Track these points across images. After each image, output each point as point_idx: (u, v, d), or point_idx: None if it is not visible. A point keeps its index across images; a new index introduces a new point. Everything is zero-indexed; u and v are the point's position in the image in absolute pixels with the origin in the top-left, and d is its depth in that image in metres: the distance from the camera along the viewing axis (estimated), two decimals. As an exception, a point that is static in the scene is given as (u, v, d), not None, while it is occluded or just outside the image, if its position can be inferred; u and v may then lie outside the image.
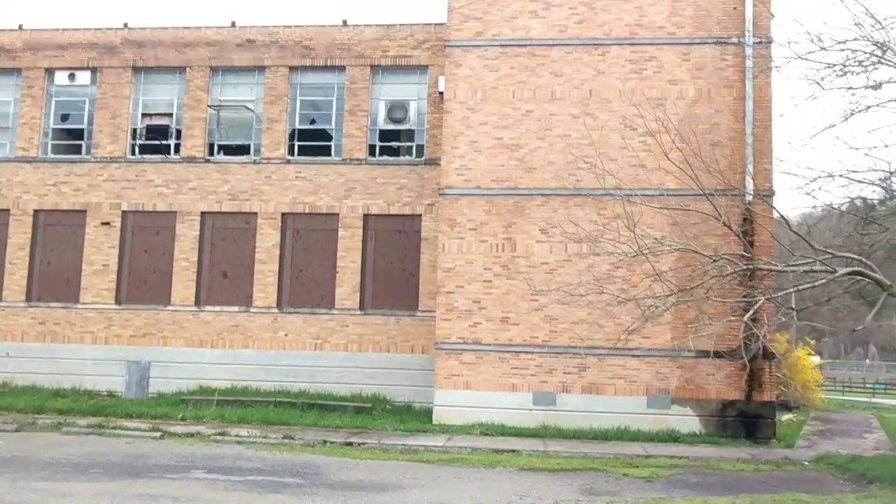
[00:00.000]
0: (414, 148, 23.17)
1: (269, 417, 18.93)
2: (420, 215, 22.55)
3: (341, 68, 23.43)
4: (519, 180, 19.97)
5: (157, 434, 16.41)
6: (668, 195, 18.15)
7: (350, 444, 16.25)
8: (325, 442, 16.29)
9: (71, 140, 24.38)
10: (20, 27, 24.57)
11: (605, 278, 17.76)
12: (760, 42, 19.32)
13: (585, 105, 19.91)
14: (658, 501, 10.59)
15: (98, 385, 22.52)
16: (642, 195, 18.41)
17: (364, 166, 22.95)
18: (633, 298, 14.59)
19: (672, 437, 17.98)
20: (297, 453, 14.79)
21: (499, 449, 15.81)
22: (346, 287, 22.53)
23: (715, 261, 13.81)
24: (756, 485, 12.31)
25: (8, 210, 23.78)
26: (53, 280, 23.60)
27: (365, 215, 22.79)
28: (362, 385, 21.94)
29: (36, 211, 23.77)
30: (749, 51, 19.23)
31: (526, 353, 19.45)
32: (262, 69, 23.66)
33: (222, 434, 16.63)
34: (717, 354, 17.42)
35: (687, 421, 18.70)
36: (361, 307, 22.47)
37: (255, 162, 23.30)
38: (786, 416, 24.87)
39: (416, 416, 19.78)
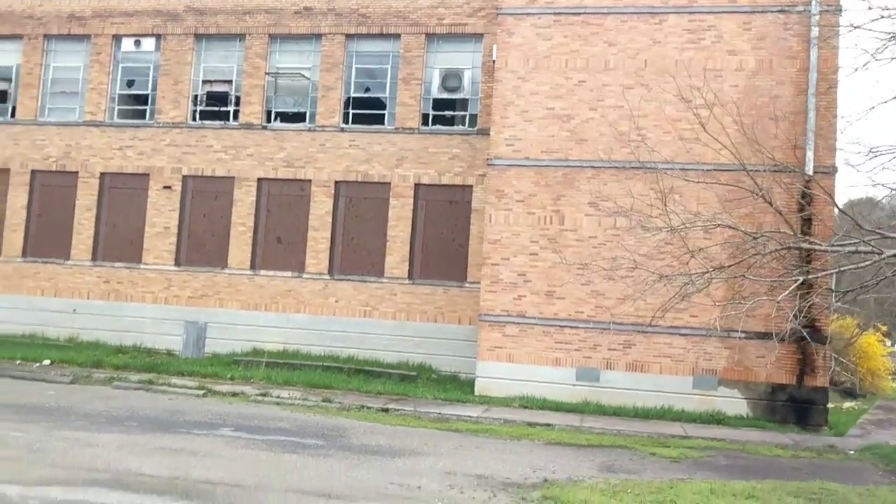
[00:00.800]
0: (467, 117, 22.99)
1: (315, 381, 19.25)
2: (471, 186, 22.39)
3: (396, 36, 23.35)
4: (569, 152, 19.61)
5: (201, 392, 16.91)
6: (721, 170, 17.52)
7: (386, 410, 16.41)
8: (362, 407, 16.50)
9: (136, 105, 25.07)
10: (90, -5, 25.30)
11: (654, 254, 17.35)
12: (828, 10, 18.35)
13: (640, 76, 19.34)
14: (675, 482, 10.34)
15: (157, 343, 23.31)
16: (695, 170, 17.95)
17: (416, 135, 22.90)
18: (673, 275, 14.17)
19: (717, 420, 17.53)
20: (331, 416, 15.02)
21: (533, 422, 15.73)
22: (396, 256, 22.63)
23: (755, 238, 13.28)
24: (787, 471, 11.90)
25: (76, 172, 24.67)
26: (118, 241, 24.43)
27: (416, 185, 22.78)
28: (409, 353, 22.07)
29: (102, 174, 24.59)
30: (815, 19, 18.29)
31: (570, 327, 19.21)
32: (318, 37, 23.78)
33: (264, 395, 17.02)
34: (767, 336, 16.82)
35: (734, 403, 18.20)
36: (410, 276, 22.55)
37: (310, 129, 23.52)
38: (847, 404, 23.98)
39: (460, 387, 19.82)
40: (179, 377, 18.80)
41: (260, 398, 16.64)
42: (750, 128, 16.20)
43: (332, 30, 23.61)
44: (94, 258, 24.39)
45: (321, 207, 23.18)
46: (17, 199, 24.90)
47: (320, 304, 22.91)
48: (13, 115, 25.34)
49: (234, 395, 16.91)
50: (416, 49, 23.13)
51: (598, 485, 9.93)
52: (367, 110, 23.52)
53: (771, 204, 13.60)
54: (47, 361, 19.89)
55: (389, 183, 22.88)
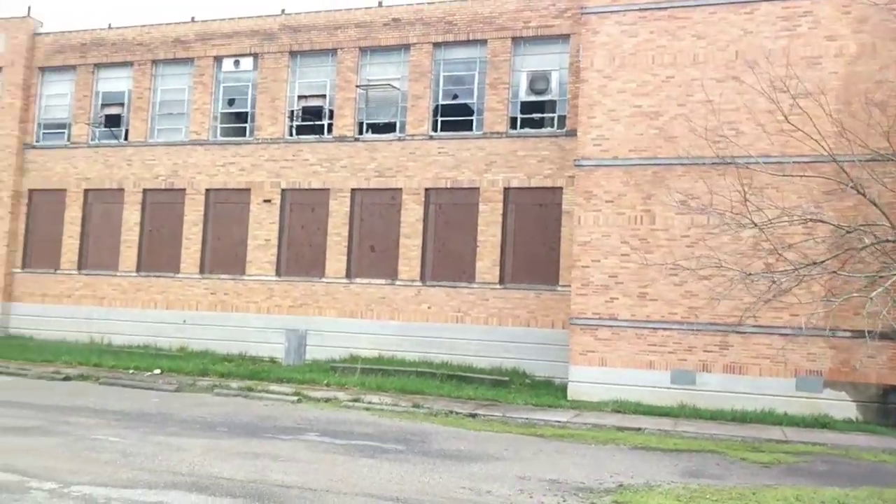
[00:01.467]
0: (556, 119, 22.81)
1: (407, 386, 19.50)
2: (561, 188, 22.18)
3: (483, 42, 23.44)
4: (658, 150, 19.15)
5: (296, 398, 17.43)
6: (818, 162, 16.64)
7: (474, 415, 16.44)
8: (450, 412, 16.59)
9: (236, 123, 26.16)
10: (192, 19, 26.59)
11: (748, 251, 16.73)
12: (936, -14, 17.20)
13: (730, 68, 18.70)
14: (760, 488, 9.90)
15: (261, 351, 24.20)
16: (790, 163, 17.15)
17: (504, 139, 22.90)
18: (760, 273, 13.61)
19: (822, 423, 16.65)
20: (416, 421, 15.20)
21: (622, 427, 15.41)
22: (487, 261, 22.66)
23: (848, 232, 12.57)
24: (889, 477, 11.19)
25: (184, 189, 25.96)
26: (223, 254, 25.54)
27: (505, 189, 22.76)
28: (502, 358, 22.04)
29: (207, 190, 25.77)
30: (921, -3, 17.17)
31: (664, 329, 18.73)
32: (407, 47, 24.15)
33: (356, 400, 17.38)
34: (879, 335, 15.87)
35: (842, 406, 17.27)
36: (501, 281, 22.54)
37: (399, 139, 23.91)
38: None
39: (552, 392, 19.63)
40: (278, 384, 19.43)
41: (351, 404, 16.99)
42: (850, 116, 15.39)
43: (419, 39, 23.93)
44: (201, 271, 25.56)
45: (412, 215, 23.49)
46: (131, 216, 26.41)
47: (413, 310, 23.19)
48: (126, 137, 26.90)
49: (327, 400, 17.34)
50: (502, 53, 23.15)
51: (674, 490, 9.65)
52: (455, 117, 23.71)
53: (864, 195, 12.82)
54: (158, 371, 20.94)
55: (478, 188, 22.96)
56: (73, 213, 27.12)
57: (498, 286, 22.49)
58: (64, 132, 27.76)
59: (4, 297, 27.40)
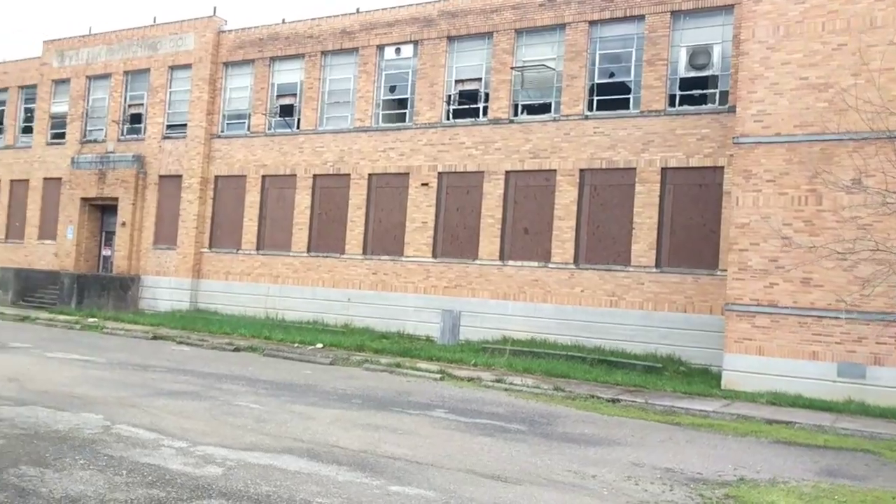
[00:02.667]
0: (717, 95, 21.67)
1: (553, 369, 19.34)
2: (722, 167, 21.08)
3: (640, 18, 22.65)
4: (827, 124, 17.70)
5: (439, 376, 17.81)
6: None
7: (616, 401, 16.07)
8: (591, 396, 16.31)
9: (397, 109, 26.95)
10: (357, 10, 27.63)
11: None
12: None
13: (913, 31, 16.88)
14: (904, 493, 8.99)
15: (418, 330, 24.92)
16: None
17: (662, 118, 22.05)
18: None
19: None
20: (552, 404, 15.08)
21: (773, 419, 14.48)
22: (642, 244, 21.99)
23: None
24: None
25: (349, 175, 27.15)
26: (383, 236, 26.50)
27: (663, 169, 21.94)
28: (656, 344, 21.35)
29: (370, 175, 26.80)
30: None
31: (830, 318, 17.37)
32: (562, 26, 23.80)
33: (498, 381, 17.50)
34: None
35: None
36: (657, 264, 21.79)
37: (554, 120, 23.65)
38: None
39: (706, 381, 18.79)
40: (427, 361, 19.93)
41: (491, 384, 17.14)
42: None
43: (575, 18, 23.52)
44: (364, 252, 26.66)
45: (566, 196, 23.21)
46: (302, 200, 27.98)
47: (566, 293, 22.96)
48: (298, 126, 28.48)
49: (470, 380, 17.58)
50: (661, 29, 22.27)
51: (799, 488, 8.97)
52: (610, 96, 23.14)
53: None
54: (319, 345, 22.13)
55: (635, 168, 22.29)
56: (252, 198, 29.13)
57: (654, 270, 21.77)
58: (244, 122, 29.84)
59: (194, 275, 29.96)
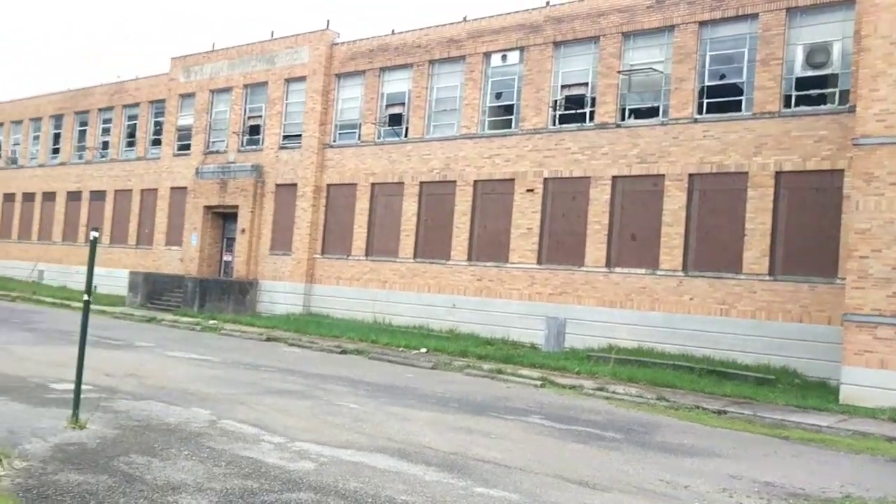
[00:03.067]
0: (837, 95, 20.67)
1: (659, 379, 18.91)
2: (842, 170, 20.06)
3: (753, 16, 21.89)
4: (956, 123, 16.59)
5: (539, 383, 17.74)
6: None
7: (722, 412, 15.56)
8: (695, 407, 15.87)
9: (502, 116, 27.06)
10: (464, 19, 27.94)
11: None
12: None
13: None
14: None
15: (522, 337, 24.88)
16: None
17: (776, 119, 21.22)
18: None
19: None
20: (653, 413, 14.76)
21: (893, 437, 13.66)
22: (755, 250, 21.20)
23: None
24: None
25: (455, 181, 27.44)
26: (488, 242, 26.63)
27: (777, 173, 21.11)
28: (770, 356, 20.52)
29: (475, 181, 27.00)
30: None
31: (962, 330, 16.23)
32: (671, 28, 23.31)
33: (600, 389, 17.27)
34: None
35: None
36: (771, 272, 20.96)
37: (662, 124, 23.17)
38: None
39: (823, 394, 17.93)
40: (529, 368, 19.86)
41: (593, 392, 16.93)
42: None
43: (684, 19, 22.99)
44: (469, 258, 26.87)
45: (674, 202, 22.68)
46: (409, 207, 28.48)
47: (674, 301, 22.41)
48: (406, 134, 29.03)
49: (572, 387, 17.42)
50: (775, 27, 21.47)
51: (909, 509, 8.46)
52: (721, 98, 22.48)
53: None
54: (423, 350, 22.45)
55: (747, 172, 21.55)
56: (362, 205, 29.90)
57: (767, 277, 20.95)
58: (355, 132, 30.67)
59: (307, 280, 30.99)
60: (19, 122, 46.97)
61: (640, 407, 15.56)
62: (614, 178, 23.98)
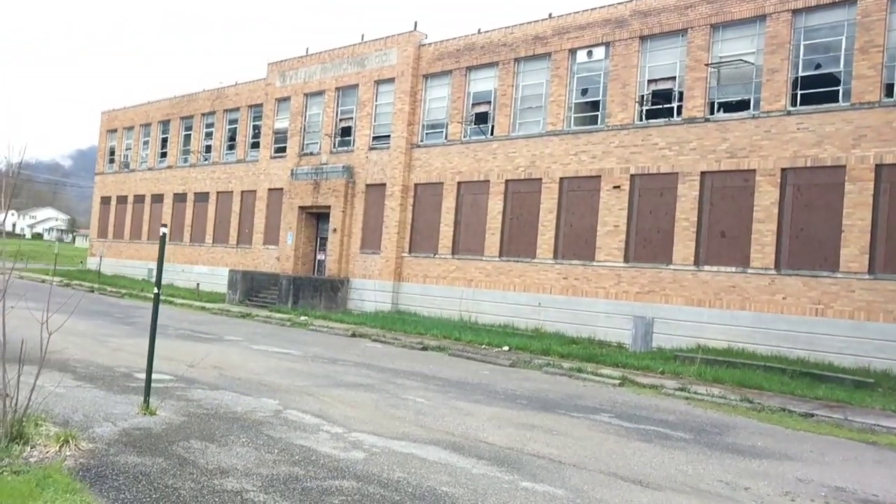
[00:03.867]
0: (944, 82, 19.43)
1: (747, 380, 18.20)
2: (949, 162, 18.85)
3: (851, 2, 20.84)
4: None
5: (618, 382, 17.41)
6: None
7: (810, 415, 14.87)
8: (781, 409, 15.22)
9: (588, 112, 26.69)
10: (549, 15, 27.71)
11: None
12: None
13: None
14: None
15: (609, 336, 24.48)
16: None
17: (877, 109, 20.12)
18: None
19: None
20: (732, 415, 14.27)
21: None
22: (853, 247, 20.16)
23: None
24: None
25: (540, 179, 27.25)
26: (574, 240, 26.32)
27: (877, 166, 20.02)
28: (870, 358, 19.49)
29: (561, 178, 26.74)
30: None
31: None
32: (762, 18, 22.45)
33: (681, 389, 16.79)
34: None
35: None
36: (870, 270, 19.88)
37: (753, 117, 22.33)
38: None
39: (926, 399, 16.85)
40: (611, 367, 19.51)
41: (672, 392, 16.48)
42: None
43: (777, 8, 22.12)
44: (554, 256, 26.63)
45: (766, 198, 21.84)
46: (495, 206, 28.47)
47: (766, 300, 21.57)
48: (491, 133, 29.03)
49: (652, 387, 17.02)
50: (875, 13, 20.39)
51: None
52: (816, 89, 21.49)
53: None
54: (506, 347, 22.38)
55: (844, 166, 20.54)
56: (448, 204, 30.09)
57: (866, 276, 19.90)
58: (442, 131, 30.90)
59: (395, 278, 31.42)
60: (131, 129, 49.60)
61: (720, 408, 15.06)
62: (703, 173, 23.28)
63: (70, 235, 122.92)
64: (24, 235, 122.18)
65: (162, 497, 6.64)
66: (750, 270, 21.98)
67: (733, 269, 22.33)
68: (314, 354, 18.40)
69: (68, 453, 7.76)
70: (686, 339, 22.79)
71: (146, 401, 9.91)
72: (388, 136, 32.41)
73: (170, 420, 9.61)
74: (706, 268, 22.95)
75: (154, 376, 12.29)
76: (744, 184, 22.42)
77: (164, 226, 10.13)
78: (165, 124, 46.48)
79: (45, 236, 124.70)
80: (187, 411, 10.27)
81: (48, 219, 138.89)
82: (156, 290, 10.00)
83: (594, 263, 25.52)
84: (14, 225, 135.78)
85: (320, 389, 13.09)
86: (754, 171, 22.15)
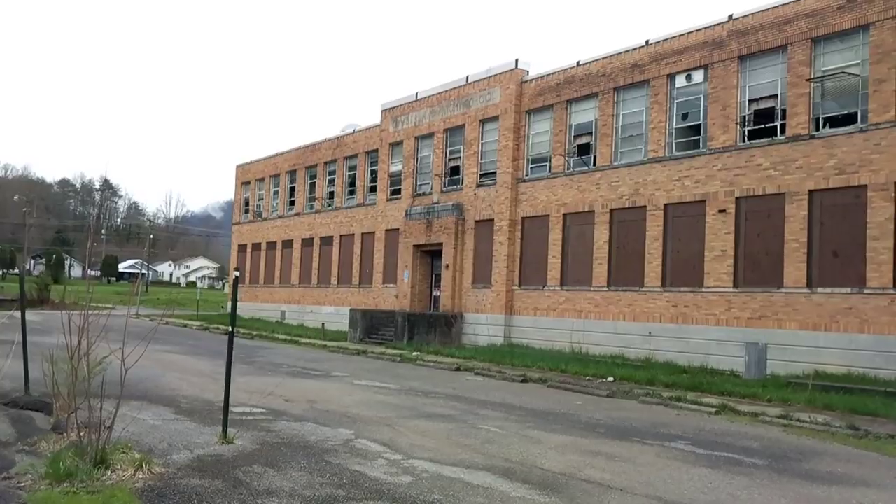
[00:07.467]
0: None
1: (861, 407, 17.27)
2: None
3: (960, 2, 19.68)
4: None
5: (714, 410, 16.94)
6: None
7: (920, 443, 13.98)
8: (890, 437, 14.37)
9: (689, 137, 26.25)
10: (646, 42, 27.59)
11: None
12: None
13: None
14: None
15: (721, 364, 23.76)
16: None
17: None
18: None
19: None
20: (826, 441, 13.64)
21: None
22: (978, 262, 18.79)
23: None
24: None
25: (644, 206, 26.97)
26: (681, 266, 25.80)
27: None
28: None
29: (665, 205, 26.36)
30: None
31: None
32: (865, 27, 21.54)
33: (783, 417, 16.16)
34: None
35: None
36: None
37: (861, 130, 21.35)
38: None
39: None
40: (714, 396, 19.01)
41: (771, 419, 15.89)
42: None
43: (880, 16, 21.24)
44: (662, 284, 26.19)
45: (880, 214, 20.77)
46: (601, 235, 28.37)
47: (886, 322, 20.41)
48: (594, 163, 29.05)
49: (751, 415, 16.47)
50: None
51: None
52: (928, 96, 20.30)
53: None
54: (610, 378, 22.18)
55: (964, 176, 19.24)
56: (555, 236, 30.22)
57: None
58: (546, 164, 31.18)
59: (507, 311, 31.74)
60: (261, 180, 52.75)
61: (817, 435, 14.40)
62: (811, 192, 22.40)
63: (221, 283, 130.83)
64: (180, 284, 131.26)
65: (205, 514, 7.30)
66: (867, 290, 20.85)
67: (848, 289, 21.25)
68: (410, 388, 18.98)
69: (140, 476, 8.60)
70: (802, 366, 21.79)
71: (224, 430, 10.74)
72: (495, 172, 33.02)
73: (243, 448, 10.37)
74: (819, 290, 21.94)
75: (246, 409, 13.26)
76: (855, 200, 21.38)
77: (237, 270, 11.08)
78: (292, 174, 49.17)
79: (199, 284, 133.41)
80: (263, 440, 11.02)
81: (200, 267, 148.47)
82: (230, 329, 10.87)
83: (703, 290, 24.90)
84: (171, 275, 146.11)
85: (399, 420, 13.59)
86: (865, 186, 21.11)
